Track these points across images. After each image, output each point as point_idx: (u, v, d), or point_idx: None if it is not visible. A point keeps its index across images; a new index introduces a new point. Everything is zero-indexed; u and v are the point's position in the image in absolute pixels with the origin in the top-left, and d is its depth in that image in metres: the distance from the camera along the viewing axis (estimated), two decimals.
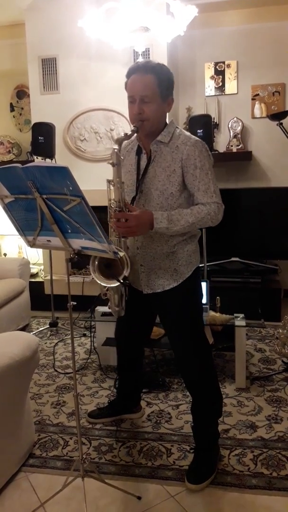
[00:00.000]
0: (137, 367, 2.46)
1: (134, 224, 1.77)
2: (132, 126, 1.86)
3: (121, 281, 1.79)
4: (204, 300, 3.02)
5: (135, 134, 1.90)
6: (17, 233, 1.86)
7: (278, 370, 3.01)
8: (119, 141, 1.81)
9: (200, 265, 3.91)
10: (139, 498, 1.93)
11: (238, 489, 1.97)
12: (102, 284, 1.85)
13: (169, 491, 1.98)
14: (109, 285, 1.85)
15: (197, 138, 1.92)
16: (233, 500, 1.91)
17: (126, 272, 1.78)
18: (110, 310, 2.00)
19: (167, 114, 1.96)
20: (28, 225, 1.78)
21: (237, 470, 2.08)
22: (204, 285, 3.05)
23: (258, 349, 3.38)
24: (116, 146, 1.78)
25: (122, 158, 1.81)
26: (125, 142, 2.04)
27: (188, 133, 1.95)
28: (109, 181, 1.81)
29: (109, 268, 1.82)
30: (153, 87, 1.83)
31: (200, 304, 2.11)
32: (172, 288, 1.98)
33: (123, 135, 1.83)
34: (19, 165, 1.57)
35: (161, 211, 1.83)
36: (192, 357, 2.07)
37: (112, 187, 1.80)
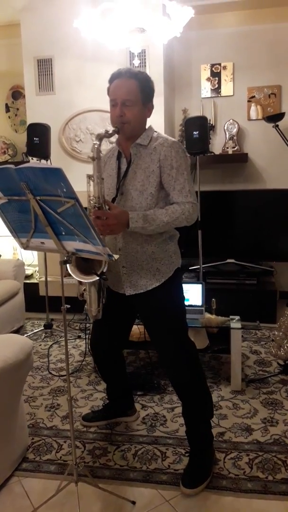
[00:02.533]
0: (119, 371, 2.44)
1: (114, 222, 1.80)
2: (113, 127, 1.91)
3: (100, 275, 1.79)
4: (199, 302, 3.01)
5: (116, 139, 1.99)
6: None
7: (274, 372, 3.01)
8: (100, 137, 1.85)
9: (196, 267, 3.96)
10: (133, 502, 1.91)
11: (233, 493, 1.95)
12: (79, 279, 1.86)
13: (164, 495, 1.96)
14: (86, 281, 1.86)
15: (174, 140, 1.98)
16: (229, 504, 1.90)
17: (104, 268, 1.79)
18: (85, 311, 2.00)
19: (147, 120, 2.01)
20: (21, 227, 1.76)
21: (232, 474, 2.06)
22: (199, 287, 3.04)
23: (253, 351, 3.37)
24: (96, 141, 1.82)
25: (99, 147, 1.84)
26: (106, 150, 2.13)
27: (165, 136, 2.01)
28: (89, 176, 1.84)
29: (86, 261, 1.81)
30: (135, 92, 1.90)
31: (183, 305, 2.11)
32: (154, 288, 1.99)
33: (102, 132, 1.86)
34: (12, 166, 1.55)
35: (137, 212, 1.87)
36: (176, 358, 2.06)
37: (92, 183, 1.84)
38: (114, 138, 2.05)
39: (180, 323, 2.07)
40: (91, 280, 1.86)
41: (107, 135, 1.87)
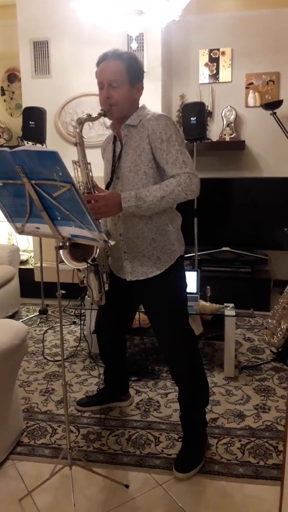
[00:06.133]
0: (121, 356, 2.46)
1: (103, 204, 1.77)
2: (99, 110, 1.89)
3: (90, 262, 1.78)
4: (194, 289, 3.01)
5: (110, 124, 1.97)
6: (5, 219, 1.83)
7: (267, 359, 3.03)
8: (80, 121, 1.83)
9: (191, 255, 3.96)
10: (127, 486, 1.94)
11: (225, 477, 1.98)
12: (69, 265, 1.84)
13: (157, 479, 1.98)
14: (76, 267, 1.85)
15: (161, 113, 1.92)
16: (221, 488, 1.93)
17: (95, 254, 1.78)
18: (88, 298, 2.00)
19: (139, 100, 1.97)
20: (16, 212, 1.74)
21: (224, 459, 2.09)
22: (194, 274, 3.05)
23: (247, 338, 3.39)
24: (77, 126, 1.81)
25: (80, 131, 1.82)
26: (106, 136, 2.11)
27: (154, 111, 1.95)
28: (74, 162, 1.83)
29: (76, 247, 1.80)
30: (121, 72, 1.86)
31: (184, 293, 2.10)
32: (155, 275, 1.98)
33: (84, 116, 1.84)
34: (7, 149, 1.53)
35: (128, 192, 1.82)
36: (177, 345, 2.06)
37: (78, 168, 1.82)
38: (108, 123, 2.02)
39: (180, 311, 2.07)
40: (81, 267, 1.85)
41: (90, 118, 1.84)
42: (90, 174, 1.82)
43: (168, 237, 1.97)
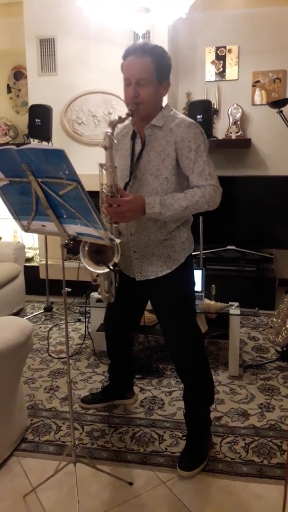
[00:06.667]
0: (127, 353, 2.46)
1: (126, 209, 1.75)
2: (127, 109, 1.83)
3: (111, 267, 1.77)
4: (199, 288, 3.01)
5: (130, 118, 1.87)
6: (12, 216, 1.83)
7: (271, 358, 3.03)
8: (112, 124, 1.77)
9: (196, 253, 3.95)
10: (130, 484, 1.94)
11: (229, 476, 1.98)
12: (92, 270, 1.83)
13: (161, 477, 1.99)
14: (98, 271, 1.84)
15: (191, 120, 1.88)
16: (224, 487, 1.93)
17: (116, 259, 1.75)
18: (99, 295, 1.99)
19: (164, 98, 1.92)
20: (22, 209, 1.74)
21: (228, 458, 2.09)
22: (199, 273, 3.04)
23: (251, 337, 3.38)
24: (109, 129, 1.75)
25: (115, 142, 1.78)
26: (121, 126, 2.01)
27: (182, 115, 1.91)
28: (101, 165, 1.78)
29: (99, 254, 1.80)
30: (150, 70, 1.80)
31: (193, 291, 2.10)
32: (165, 274, 1.97)
33: (115, 119, 1.79)
34: (14, 147, 1.53)
35: (154, 197, 1.80)
36: (184, 344, 2.06)
37: (104, 172, 1.78)
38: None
39: (188, 309, 2.07)
40: (103, 271, 1.83)
41: (120, 120, 1.79)
42: (115, 179, 1.78)
43: (180, 235, 1.97)
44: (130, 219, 1.83)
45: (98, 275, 1.91)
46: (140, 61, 1.79)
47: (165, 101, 1.95)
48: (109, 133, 1.74)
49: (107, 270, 1.79)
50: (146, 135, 1.88)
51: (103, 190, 1.79)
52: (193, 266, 2.10)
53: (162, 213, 1.78)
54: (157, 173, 1.85)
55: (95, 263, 1.81)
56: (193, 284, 2.10)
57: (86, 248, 1.80)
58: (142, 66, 1.79)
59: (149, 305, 2.23)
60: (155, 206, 1.77)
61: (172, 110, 1.92)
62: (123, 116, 1.80)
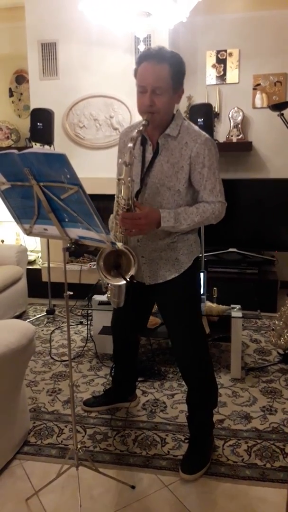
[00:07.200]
0: (132, 356, 2.46)
1: (144, 222, 1.77)
2: (143, 119, 1.80)
3: (128, 279, 1.77)
4: (201, 290, 3.01)
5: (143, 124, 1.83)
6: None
7: (273, 361, 3.02)
8: (134, 140, 1.72)
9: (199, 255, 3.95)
10: (133, 487, 1.94)
11: (231, 479, 1.98)
12: (109, 282, 1.83)
13: (163, 480, 1.99)
14: (116, 283, 1.83)
15: (207, 136, 1.87)
16: (227, 490, 1.92)
17: (133, 271, 1.76)
18: (107, 299, 1.99)
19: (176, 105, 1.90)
20: (24, 213, 1.75)
21: (231, 461, 2.09)
22: (201, 275, 3.04)
23: (253, 339, 3.38)
24: (130, 144, 1.72)
25: (133, 150, 1.73)
26: (127, 127, 2.04)
27: (197, 128, 1.90)
28: (119, 179, 1.76)
29: (118, 268, 1.80)
30: (166, 79, 1.74)
31: (199, 293, 2.12)
32: (173, 278, 1.98)
33: (135, 133, 1.74)
34: (15, 151, 1.54)
35: (168, 210, 1.82)
36: (190, 346, 2.07)
37: (123, 186, 1.75)
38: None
39: (195, 311, 2.08)
40: (119, 283, 1.83)
41: (139, 133, 1.75)
42: (133, 192, 1.77)
43: (187, 238, 1.99)
44: (145, 232, 1.86)
45: (109, 284, 1.90)
46: (157, 69, 1.73)
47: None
48: (130, 149, 1.71)
49: (124, 282, 1.79)
50: (160, 144, 1.87)
51: (119, 202, 1.79)
52: (199, 269, 2.12)
53: (175, 227, 1.83)
54: (169, 184, 1.86)
55: (108, 271, 1.82)
56: (199, 286, 2.13)
57: (102, 263, 1.80)
58: (159, 74, 1.73)
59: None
60: (170, 220, 1.80)
61: (184, 119, 1.91)
62: (141, 128, 1.76)
